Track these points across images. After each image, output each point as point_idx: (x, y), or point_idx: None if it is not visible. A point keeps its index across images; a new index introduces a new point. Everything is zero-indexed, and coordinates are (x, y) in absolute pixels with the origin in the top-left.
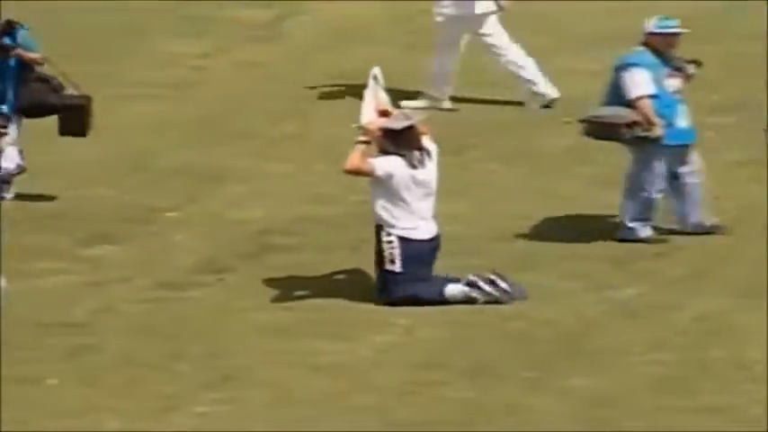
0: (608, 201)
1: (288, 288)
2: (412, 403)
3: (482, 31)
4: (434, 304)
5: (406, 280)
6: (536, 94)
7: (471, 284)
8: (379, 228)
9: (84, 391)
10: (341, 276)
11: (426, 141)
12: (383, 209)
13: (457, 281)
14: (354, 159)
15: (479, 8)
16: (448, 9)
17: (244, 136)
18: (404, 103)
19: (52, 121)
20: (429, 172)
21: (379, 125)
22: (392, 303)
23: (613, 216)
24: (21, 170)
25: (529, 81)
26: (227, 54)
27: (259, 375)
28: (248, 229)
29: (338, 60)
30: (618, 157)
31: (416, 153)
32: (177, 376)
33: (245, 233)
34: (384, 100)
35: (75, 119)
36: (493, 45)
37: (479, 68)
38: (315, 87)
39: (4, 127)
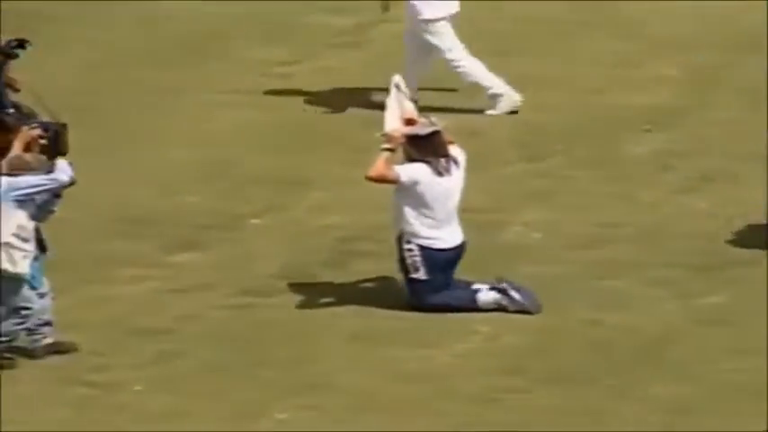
0: (691, 208)
1: (371, 295)
2: (494, 410)
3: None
4: (466, 311)
5: (434, 288)
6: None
7: (503, 292)
8: (400, 236)
9: (168, 397)
10: None
11: (453, 149)
12: (405, 217)
13: (484, 287)
14: (379, 167)
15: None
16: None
17: (327, 142)
18: (488, 111)
19: (135, 126)
20: (455, 180)
21: (404, 132)
22: (423, 310)
23: (699, 222)
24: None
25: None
26: (312, 61)
27: (342, 382)
28: (332, 236)
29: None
30: (699, 164)
31: (442, 160)
32: (261, 382)
33: (329, 240)
34: (409, 108)
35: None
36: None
37: (565, 75)
38: None
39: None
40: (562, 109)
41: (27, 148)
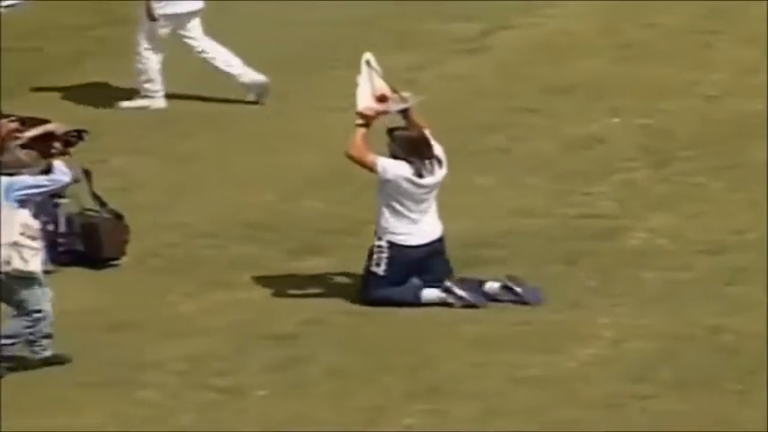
0: None
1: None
2: (618, 416)
3: (185, 30)
4: (410, 306)
5: (385, 283)
6: (248, 84)
7: (447, 290)
8: (376, 230)
9: (292, 402)
10: (550, 289)
11: (437, 149)
12: (381, 212)
13: (437, 287)
14: (359, 145)
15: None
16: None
17: (450, 148)
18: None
19: (259, 131)
20: (436, 180)
21: (376, 110)
22: (370, 304)
23: None
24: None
25: (237, 75)
26: (435, 67)
27: (465, 387)
28: (455, 242)
29: (546, 73)
30: None
31: (426, 162)
32: (384, 388)
33: (452, 245)
34: (381, 85)
35: None
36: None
37: (691, 81)
38: (523, 101)
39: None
40: (688, 115)
41: (2, 141)
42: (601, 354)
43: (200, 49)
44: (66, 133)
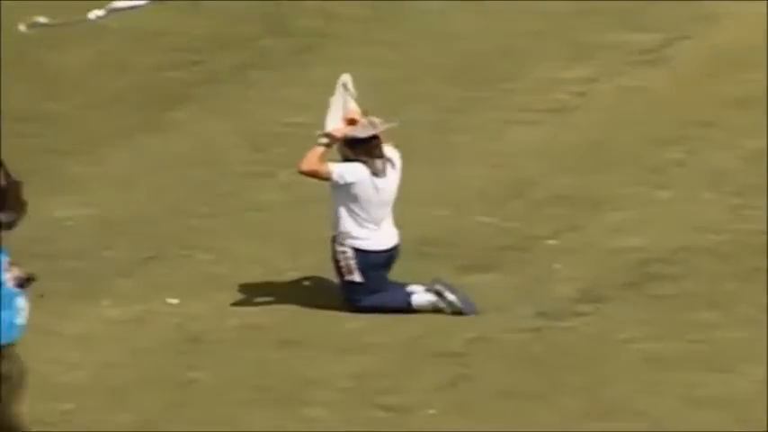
0: None
1: (670, 318)
2: None
3: None
4: (401, 313)
5: (369, 290)
6: None
7: (438, 294)
8: (334, 237)
9: (462, 420)
10: (725, 306)
11: (389, 150)
12: (339, 217)
13: (420, 290)
14: (312, 160)
15: None
16: None
17: (626, 162)
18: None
19: (427, 145)
20: (390, 181)
21: (344, 132)
22: (359, 312)
23: None
24: None
25: None
26: (611, 79)
27: (637, 407)
28: (629, 258)
29: (726, 86)
30: None
31: (378, 161)
32: (556, 407)
33: (626, 261)
34: (353, 108)
35: None
36: None
37: None
38: (701, 113)
39: None
40: None
41: None
42: None
43: None
44: None
